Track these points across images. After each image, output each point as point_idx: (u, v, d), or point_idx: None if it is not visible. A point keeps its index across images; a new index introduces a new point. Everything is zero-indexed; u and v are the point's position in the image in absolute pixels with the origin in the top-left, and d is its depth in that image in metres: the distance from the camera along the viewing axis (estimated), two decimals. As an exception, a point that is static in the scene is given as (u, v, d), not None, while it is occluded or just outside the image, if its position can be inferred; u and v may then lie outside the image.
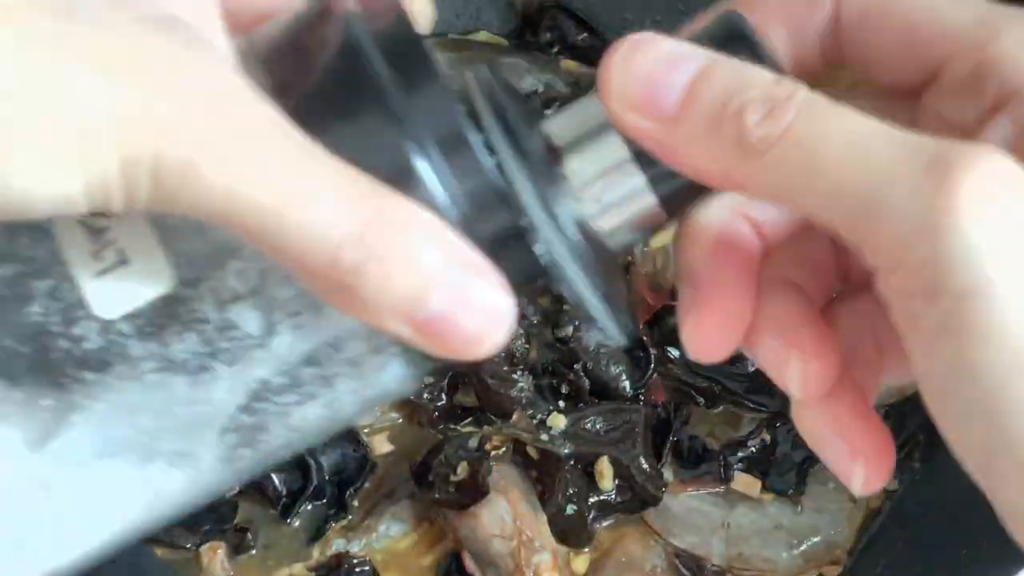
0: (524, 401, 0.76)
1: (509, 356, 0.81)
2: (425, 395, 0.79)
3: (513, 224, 0.35)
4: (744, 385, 0.81)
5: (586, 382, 0.78)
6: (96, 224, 0.34)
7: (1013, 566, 0.63)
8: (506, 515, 0.73)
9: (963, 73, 0.32)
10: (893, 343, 0.36)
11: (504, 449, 0.75)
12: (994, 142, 0.31)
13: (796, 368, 0.35)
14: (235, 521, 0.76)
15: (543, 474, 0.75)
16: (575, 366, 0.79)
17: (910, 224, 0.28)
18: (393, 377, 0.37)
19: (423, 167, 0.33)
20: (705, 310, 0.35)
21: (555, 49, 0.96)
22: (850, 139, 0.29)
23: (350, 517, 0.77)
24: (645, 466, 0.75)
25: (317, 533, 0.76)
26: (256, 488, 0.77)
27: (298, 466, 0.77)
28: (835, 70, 0.36)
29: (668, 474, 0.78)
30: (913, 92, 0.34)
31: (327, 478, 0.77)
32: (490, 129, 0.35)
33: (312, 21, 0.36)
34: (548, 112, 0.38)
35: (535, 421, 0.76)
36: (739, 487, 0.77)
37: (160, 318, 0.35)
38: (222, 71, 0.32)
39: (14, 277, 0.34)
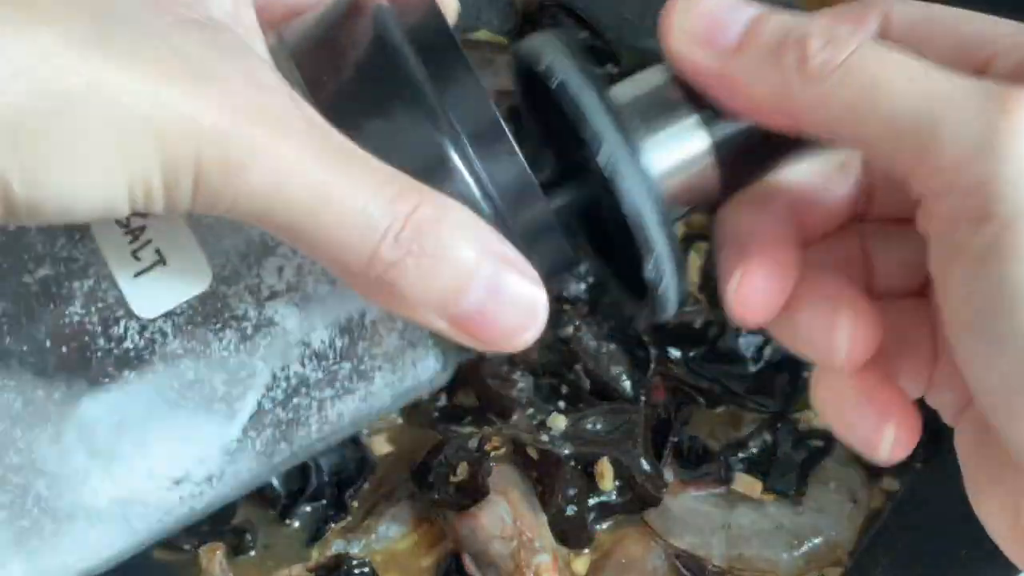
0: (524, 401, 0.76)
1: (509, 356, 0.81)
2: (424, 396, 0.79)
3: (546, 215, 0.35)
4: (745, 386, 0.81)
5: (586, 382, 0.78)
6: (134, 224, 0.35)
7: (1014, 568, 0.63)
8: (506, 516, 0.73)
9: (1009, 66, 0.33)
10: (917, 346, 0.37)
11: (504, 450, 0.75)
12: None
13: (845, 328, 0.36)
14: (234, 522, 0.76)
15: (543, 475, 0.75)
16: (575, 366, 0.79)
17: (966, 147, 0.29)
18: (426, 369, 0.37)
19: (457, 161, 0.34)
20: (754, 263, 0.36)
21: (555, 48, 0.96)
22: (911, 69, 0.30)
23: (349, 518, 0.77)
24: (645, 467, 0.75)
25: (316, 534, 0.76)
26: (255, 489, 0.76)
27: (297, 467, 0.77)
28: None
29: (668, 475, 0.78)
30: None
31: (326, 479, 0.77)
32: (574, 80, 0.35)
33: (343, 16, 0.36)
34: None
35: (535, 421, 0.76)
36: (740, 488, 0.77)
37: (198, 316, 0.35)
38: (261, 72, 0.32)
39: (54, 277, 0.34)
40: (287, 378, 0.36)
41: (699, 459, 0.78)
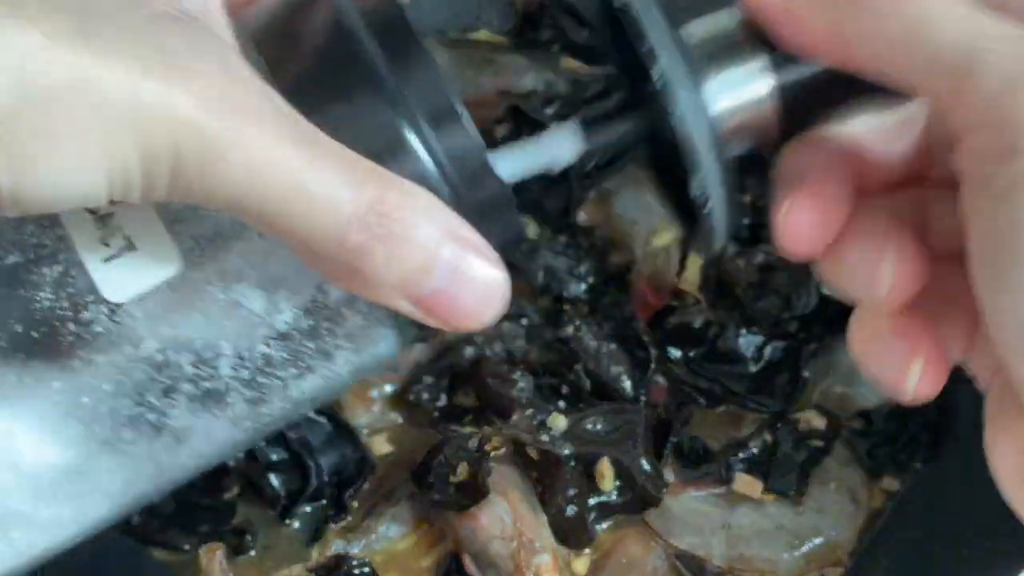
0: (524, 401, 0.76)
1: (509, 356, 0.81)
2: (425, 395, 0.79)
3: (500, 194, 0.37)
4: (745, 386, 0.81)
5: (586, 382, 0.78)
6: (103, 211, 0.36)
7: (1015, 566, 0.63)
8: (506, 516, 0.73)
9: None
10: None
11: (504, 450, 0.75)
12: None
13: (890, 263, 0.37)
14: (233, 522, 0.76)
15: (543, 475, 0.75)
16: (575, 366, 0.79)
17: (999, 84, 0.30)
18: (386, 347, 0.39)
19: (415, 144, 0.35)
20: (804, 193, 0.37)
21: (555, 47, 0.96)
22: (958, 7, 0.32)
23: (349, 518, 0.77)
24: (646, 467, 0.75)
25: (316, 534, 0.76)
26: (255, 489, 0.77)
27: (297, 467, 0.77)
28: None
29: (669, 475, 0.77)
30: None
31: (326, 479, 0.77)
32: (637, 1, 0.36)
33: (302, 2, 0.37)
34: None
35: (535, 422, 0.76)
36: (740, 488, 0.77)
37: (167, 300, 0.36)
38: (234, 63, 0.33)
39: (23, 264, 0.35)
40: (253, 359, 0.38)
41: (699, 459, 0.78)
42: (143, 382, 0.37)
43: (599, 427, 0.76)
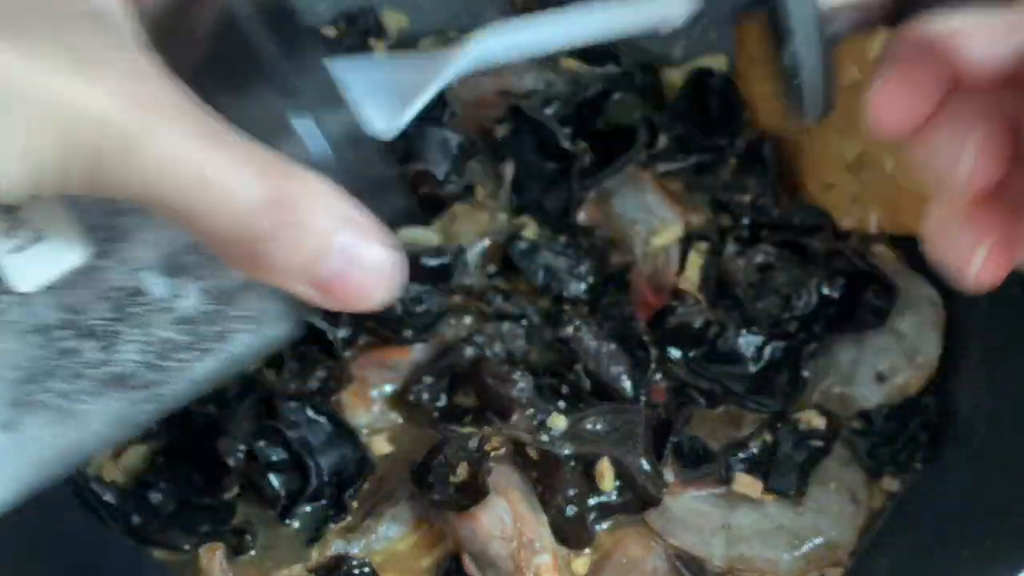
0: (524, 401, 0.76)
1: (509, 356, 0.81)
2: (425, 395, 0.79)
3: (388, 175, 0.39)
4: (745, 386, 0.81)
5: (586, 382, 0.78)
6: (9, 204, 0.37)
7: (1014, 566, 0.63)
8: (506, 516, 0.73)
9: None
10: None
11: (504, 450, 0.75)
12: None
13: (975, 144, 0.38)
14: (233, 522, 0.76)
15: (543, 475, 0.74)
16: (575, 366, 0.79)
17: None
18: (282, 327, 0.41)
19: (308, 130, 0.37)
20: (897, 72, 0.38)
21: (555, 48, 0.96)
22: None
23: (349, 518, 0.77)
24: (646, 467, 0.75)
25: (316, 534, 0.76)
26: (255, 489, 0.77)
27: (297, 467, 0.77)
28: None
29: (669, 475, 0.77)
30: None
31: (326, 479, 0.77)
32: None
33: None
34: None
35: (535, 422, 0.76)
36: (740, 488, 0.77)
37: (75, 288, 0.38)
38: (143, 60, 0.35)
39: None
40: (156, 343, 0.39)
41: (699, 459, 0.78)
42: (49, 367, 0.38)
43: (599, 427, 0.76)
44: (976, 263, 0.39)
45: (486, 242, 0.87)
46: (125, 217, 0.38)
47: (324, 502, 0.77)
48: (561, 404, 0.78)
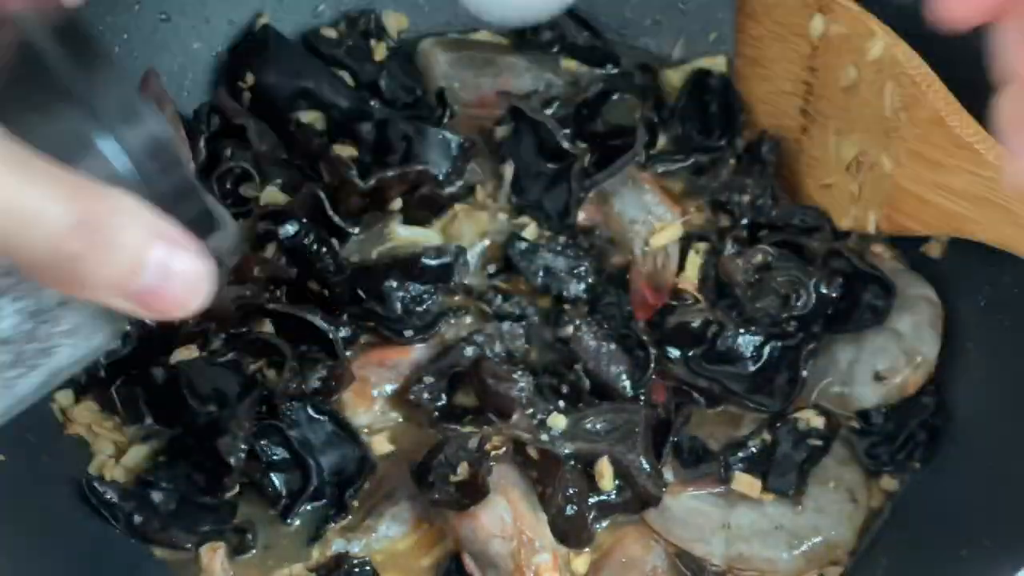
0: (524, 401, 0.76)
1: (509, 356, 0.81)
2: (425, 395, 0.79)
3: (192, 187, 0.41)
4: (744, 385, 0.81)
5: (586, 382, 0.78)
6: None
7: (1013, 566, 0.63)
8: (506, 515, 0.73)
9: None
10: None
11: (504, 449, 0.75)
12: None
13: None
14: (234, 521, 0.76)
15: (543, 474, 0.75)
16: (575, 366, 0.79)
17: None
18: (103, 338, 0.43)
19: (110, 148, 0.38)
20: None
21: (555, 48, 0.96)
22: None
23: (350, 518, 0.77)
24: (645, 466, 0.75)
25: (317, 533, 0.76)
26: (256, 489, 0.77)
27: (298, 467, 0.77)
28: None
29: (668, 474, 0.78)
30: None
31: (327, 479, 0.77)
32: None
33: None
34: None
35: (535, 421, 0.76)
36: (739, 487, 0.77)
37: None
38: None
39: None
40: None
41: (699, 458, 0.78)
42: None
43: (599, 427, 0.76)
44: None
45: (486, 242, 0.87)
46: None
47: (325, 501, 0.77)
48: (561, 404, 0.78)
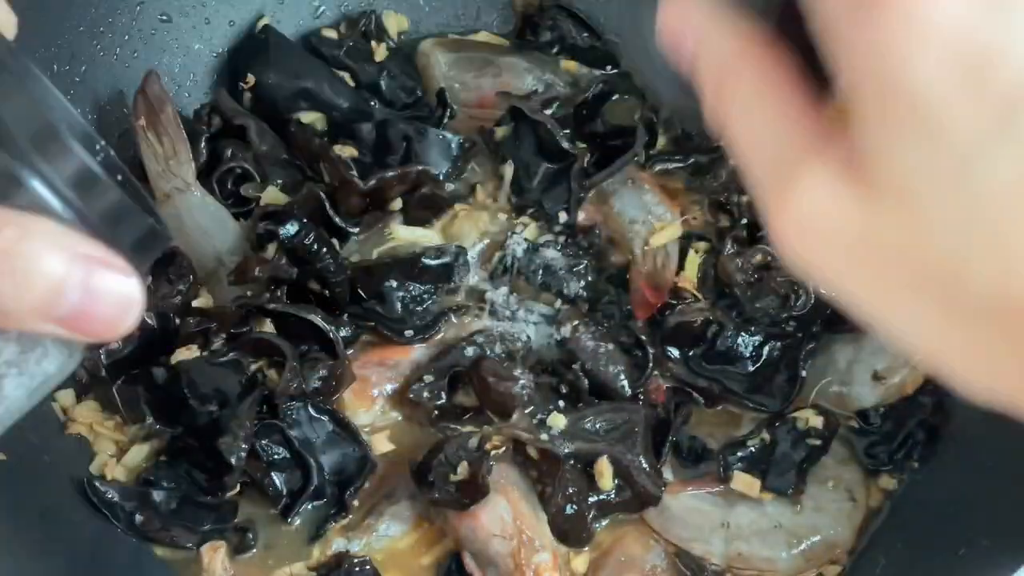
0: (524, 400, 0.76)
1: (509, 356, 0.81)
2: (425, 394, 0.79)
3: (122, 202, 0.39)
4: (744, 385, 0.81)
5: (585, 382, 0.78)
6: None
7: (1012, 565, 0.63)
8: (506, 515, 0.73)
9: None
10: None
11: (504, 449, 0.75)
12: None
13: None
14: (235, 521, 0.77)
15: (543, 474, 0.75)
16: (574, 366, 0.79)
17: None
18: (53, 363, 0.42)
19: (26, 176, 0.37)
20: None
21: (555, 49, 0.96)
22: None
23: (350, 517, 0.77)
24: (645, 466, 0.75)
25: (317, 533, 0.76)
26: (257, 488, 0.77)
27: (298, 466, 0.77)
28: None
29: (668, 473, 0.78)
30: None
31: (327, 478, 0.77)
32: None
33: None
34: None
35: (535, 421, 0.76)
36: (738, 486, 0.77)
37: None
38: None
39: None
40: None
41: (698, 458, 0.79)
42: None
43: (599, 426, 0.76)
44: None
45: (486, 242, 0.87)
46: None
47: (325, 501, 0.77)
48: (561, 403, 0.78)
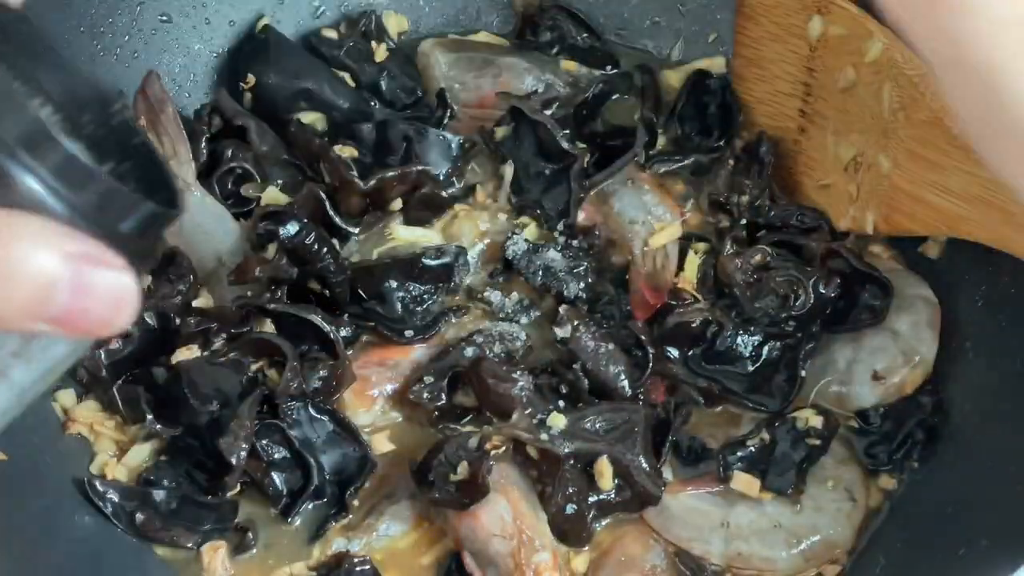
0: (524, 400, 0.76)
1: (509, 356, 0.81)
2: (425, 394, 0.80)
3: (107, 185, 0.38)
4: (744, 385, 0.81)
5: (584, 382, 0.78)
6: None
7: (1012, 565, 0.63)
8: (506, 515, 0.73)
9: None
10: None
11: (504, 449, 0.75)
12: None
13: None
14: (236, 521, 0.77)
15: (543, 474, 0.75)
16: (574, 366, 0.79)
17: None
18: (60, 349, 0.41)
19: (15, 172, 0.37)
20: None
21: (555, 49, 0.96)
22: None
23: (350, 517, 0.77)
24: (644, 465, 0.75)
25: (317, 532, 0.76)
26: (257, 488, 0.77)
27: (299, 466, 0.77)
28: None
29: (667, 473, 0.78)
30: None
31: (327, 478, 0.77)
32: None
33: None
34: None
35: (535, 421, 0.76)
36: (738, 486, 0.77)
37: None
38: None
39: None
40: None
41: (698, 458, 0.79)
42: None
43: (598, 426, 0.76)
44: None
45: (486, 242, 0.87)
46: None
47: (325, 500, 0.77)
48: (561, 403, 0.78)
